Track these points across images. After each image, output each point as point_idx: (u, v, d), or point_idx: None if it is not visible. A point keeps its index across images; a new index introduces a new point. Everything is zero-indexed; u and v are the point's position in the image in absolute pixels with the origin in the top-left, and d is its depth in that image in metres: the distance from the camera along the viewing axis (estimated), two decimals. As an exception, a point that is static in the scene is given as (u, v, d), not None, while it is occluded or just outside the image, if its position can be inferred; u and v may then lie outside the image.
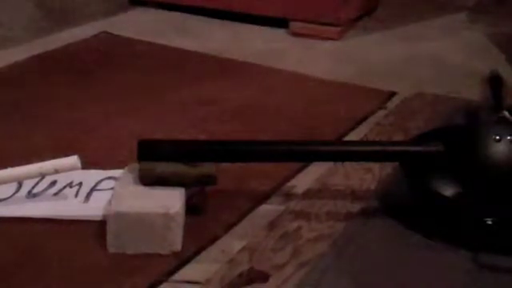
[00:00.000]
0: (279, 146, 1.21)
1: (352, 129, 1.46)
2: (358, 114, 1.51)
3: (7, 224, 1.11)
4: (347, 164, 1.28)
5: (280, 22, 2.01)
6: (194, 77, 1.69)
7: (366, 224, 1.15)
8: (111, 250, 1.06)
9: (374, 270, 1.04)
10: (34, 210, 1.14)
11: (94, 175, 1.22)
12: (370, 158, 1.21)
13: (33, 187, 1.18)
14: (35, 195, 1.17)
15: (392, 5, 2.23)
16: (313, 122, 1.48)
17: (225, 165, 1.15)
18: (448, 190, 1.15)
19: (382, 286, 1.02)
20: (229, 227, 1.13)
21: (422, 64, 1.81)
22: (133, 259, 1.05)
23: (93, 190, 1.19)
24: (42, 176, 1.17)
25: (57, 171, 1.14)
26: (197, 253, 1.07)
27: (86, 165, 1.16)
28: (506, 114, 1.26)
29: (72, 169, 1.14)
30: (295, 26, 1.99)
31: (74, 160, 1.14)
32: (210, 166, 1.13)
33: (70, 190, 1.19)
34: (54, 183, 1.19)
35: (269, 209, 1.19)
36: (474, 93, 1.54)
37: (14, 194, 1.17)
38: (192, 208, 1.12)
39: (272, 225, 1.13)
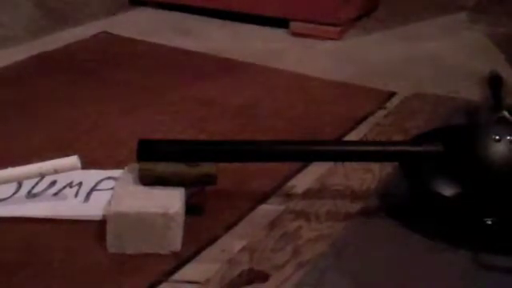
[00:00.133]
0: (279, 145, 1.21)
1: (352, 129, 1.46)
2: (357, 114, 1.51)
3: (7, 224, 1.11)
4: (347, 164, 1.28)
5: (280, 22, 2.01)
6: (193, 77, 1.69)
7: (366, 224, 1.15)
8: (111, 249, 1.06)
9: (374, 269, 1.04)
10: (33, 209, 1.14)
11: (94, 175, 1.22)
12: (369, 158, 1.21)
13: (33, 187, 1.18)
14: (35, 195, 1.17)
15: (392, 5, 2.23)
16: (313, 122, 1.48)
17: (225, 165, 1.15)
18: (448, 190, 1.15)
19: (382, 286, 1.02)
20: (229, 227, 1.13)
21: (422, 64, 1.81)
22: (132, 259, 1.05)
23: (93, 189, 1.19)
24: (42, 176, 1.17)
25: (56, 171, 1.14)
26: (197, 253, 1.07)
27: (86, 165, 1.16)
28: (506, 114, 1.26)
29: (72, 169, 1.14)
30: (295, 25, 1.99)
31: (73, 160, 1.14)
32: (210, 166, 1.13)
33: (70, 189, 1.19)
34: (53, 183, 1.19)
35: (269, 209, 1.19)
36: (473, 93, 1.55)
37: (13, 194, 1.17)
38: (192, 208, 1.12)
39: (272, 225, 1.13)
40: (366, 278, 1.03)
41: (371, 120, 1.49)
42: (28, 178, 1.16)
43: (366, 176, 1.27)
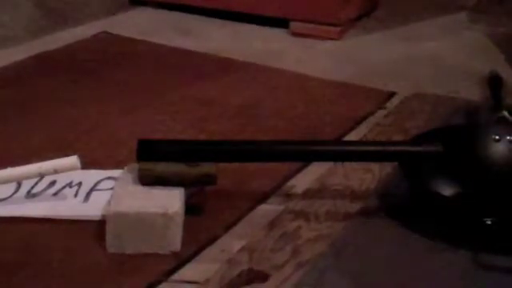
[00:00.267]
0: (279, 145, 1.21)
1: (352, 129, 1.45)
2: (357, 114, 1.51)
3: (6, 224, 1.11)
4: (347, 164, 1.28)
5: (280, 22, 2.01)
6: (193, 76, 1.69)
7: (366, 224, 1.15)
8: (110, 249, 1.06)
9: (374, 269, 1.04)
10: (33, 209, 1.14)
11: (94, 175, 1.22)
12: (369, 158, 1.21)
13: (32, 187, 1.18)
14: (34, 195, 1.17)
15: (392, 5, 2.23)
16: (313, 122, 1.48)
17: (224, 165, 1.15)
18: (447, 190, 1.15)
19: (382, 286, 1.02)
20: (228, 227, 1.13)
21: (422, 64, 1.81)
22: (132, 259, 1.05)
23: (92, 189, 1.19)
24: (42, 176, 1.17)
25: (56, 171, 1.14)
26: (196, 253, 1.07)
27: (86, 165, 1.16)
28: (506, 114, 1.26)
29: (71, 169, 1.14)
30: (295, 25, 1.99)
31: (73, 160, 1.13)
32: (210, 166, 1.12)
33: (70, 189, 1.19)
34: (53, 183, 1.19)
35: (268, 209, 1.19)
36: (473, 93, 1.55)
37: (13, 193, 1.17)
38: (191, 208, 1.12)
39: (271, 225, 1.13)
40: (365, 277, 1.02)
41: (371, 120, 1.49)
42: (27, 177, 1.16)
43: (366, 176, 1.27)
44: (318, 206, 1.18)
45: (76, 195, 1.18)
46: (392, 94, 1.61)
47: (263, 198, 1.21)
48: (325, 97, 1.60)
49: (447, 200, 1.13)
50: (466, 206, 1.11)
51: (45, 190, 1.18)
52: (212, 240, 1.10)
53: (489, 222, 1.06)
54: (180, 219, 1.07)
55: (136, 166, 1.12)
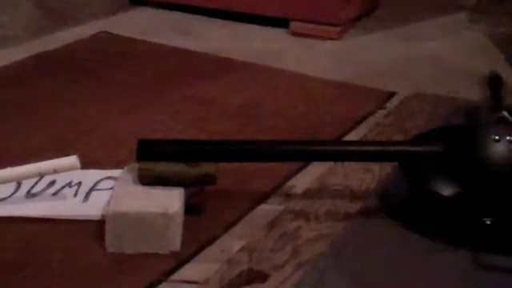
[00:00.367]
0: (279, 145, 1.21)
1: (352, 129, 1.45)
2: (357, 114, 1.51)
3: (6, 224, 1.11)
4: (347, 164, 1.28)
5: (280, 22, 2.01)
6: (193, 76, 1.69)
7: (366, 224, 1.15)
8: (110, 249, 1.06)
9: (374, 269, 1.04)
10: (32, 209, 1.14)
11: (94, 175, 1.22)
12: (369, 158, 1.21)
13: (32, 187, 1.18)
14: (34, 195, 1.17)
15: (392, 5, 2.23)
16: (313, 122, 1.48)
17: (224, 164, 1.15)
18: (447, 190, 1.15)
19: (382, 286, 1.02)
20: (228, 227, 1.13)
21: (422, 64, 1.81)
22: (132, 259, 1.05)
23: (92, 189, 1.19)
24: (41, 176, 1.17)
25: (56, 171, 1.14)
26: (196, 252, 1.07)
27: (86, 165, 1.16)
28: (506, 114, 1.26)
29: (71, 168, 1.14)
30: (295, 25, 1.99)
31: (73, 160, 1.13)
32: (210, 166, 1.12)
33: (69, 189, 1.19)
34: (53, 183, 1.19)
35: (268, 209, 1.19)
36: (473, 93, 1.55)
37: (12, 193, 1.17)
38: (191, 208, 1.12)
39: (271, 225, 1.13)
40: (365, 277, 1.02)
41: (371, 120, 1.49)
42: (27, 177, 1.16)
43: (366, 176, 1.27)
44: (317, 206, 1.18)
45: (76, 195, 1.18)
46: (392, 94, 1.61)
47: (263, 197, 1.21)
48: (325, 97, 1.60)
49: (447, 200, 1.13)
50: (465, 206, 1.11)
51: (44, 189, 1.18)
52: (212, 240, 1.10)
53: (488, 222, 1.06)
54: (180, 219, 1.07)
55: (136, 165, 1.12)
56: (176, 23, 2.05)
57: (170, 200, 1.07)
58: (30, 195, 1.17)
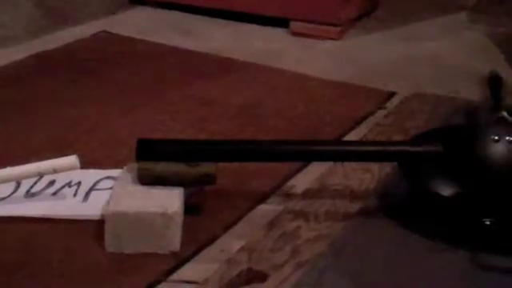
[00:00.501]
0: (279, 145, 1.21)
1: (352, 129, 1.45)
2: (357, 114, 1.51)
3: (5, 224, 1.11)
4: (346, 164, 1.28)
5: (280, 22, 2.01)
6: (193, 76, 1.69)
7: (365, 224, 1.15)
8: (109, 249, 1.06)
9: (373, 269, 1.04)
10: (32, 209, 1.14)
11: (93, 175, 1.22)
12: (369, 158, 1.21)
13: (31, 187, 1.18)
14: (33, 195, 1.17)
15: (392, 5, 2.23)
16: (313, 122, 1.48)
17: (224, 164, 1.15)
18: (447, 190, 1.15)
19: (381, 286, 1.02)
20: (228, 227, 1.13)
21: (422, 64, 1.81)
22: (131, 259, 1.05)
23: (91, 189, 1.19)
24: (41, 175, 1.17)
25: (55, 171, 1.14)
26: (195, 252, 1.07)
27: (85, 164, 1.16)
28: (505, 114, 1.26)
29: (71, 168, 1.14)
30: (295, 25, 1.99)
31: (72, 159, 1.13)
32: (210, 166, 1.12)
33: (69, 189, 1.19)
34: (52, 183, 1.19)
35: (268, 209, 1.19)
36: (473, 93, 1.55)
37: (12, 193, 1.17)
38: (191, 208, 1.12)
39: (271, 225, 1.13)
40: (365, 278, 1.02)
41: (371, 120, 1.49)
42: (27, 177, 1.16)
43: (366, 176, 1.27)
44: (317, 206, 1.18)
45: (75, 195, 1.18)
46: (392, 94, 1.61)
47: (263, 197, 1.21)
48: (325, 97, 1.60)
49: (446, 200, 1.13)
50: (465, 207, 1.11)
51: (44, 189, 1.18)
52: (211, 240, 1.10)
53: (488, 223, 1.06)
54: (179, 219, 1.07)
55: (135, 165, 1.12)
56: (176, 23, 2.05)
57: (169, 200, 1.07)
58: (29, 195, 1.17)
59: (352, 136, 1.43)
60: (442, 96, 1.60)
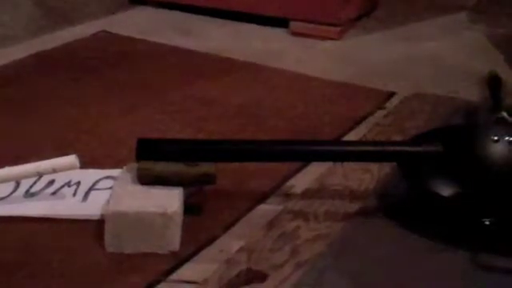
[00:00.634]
0: (278, 145, 1.21)
1: (351, 129, 1.45)
2: (357, 114, 1.51)
3: (5, 224, 1.11)
4: (346, 164, 1.28)
5: (280, 22, 2.01)
6: (193, 76, 1.69)
7: (365, 224, 1.15)
8: (109, 249, 1.06)
9: (373, 270, 1.04)
10: (31, 209, 1.14)
11: (93, 174, 1.22)
12: (368, 158, 1.21)
13: (31, 186, 1.18)
14: (33, 194, 1.17)
15: (392, 5, 2.23)
16: (312, 122, 1.48)
17: (223, 164, 1.15)
18: (446, 191, 1.15)
19: (380, 286, 1.02)
20: (227, 227, 1.13)
21: (422, 64, 1.81)
22: (131, 259, 1.05)
23: (91, 189, 1.19)
24: (40, 175, 1.17)
25: (55, 170, 1.14)
26: (195, 252, 1.07)
27: (85, 164, 1.16)
28: (505, 114, 1.26)
29: (70, 168, 1.14)
30: (295, 25, 1.99)
31: (72, 159, 1.13)
32: (209, 166, 1.12)
33: (68, 189, 1.19)
34: (51, 182, 1.19)
35: (267, 209, 1.19)
36: (472, 93, 1.55)
37: (11, 193, 1.17)
38: (190, 207, 1.12)
39: (270, 225, 1.13)
40: (364, 278, 1.02)
41: (371, 120, 1.49)
42: (26, 177, 1.16)
43: (365, 176, 1.27)
44: (317, 206, 1.18)
45: (75, 194, 1.18)
46: (392, 94, 1.61)
47: (262, 197, 1.21)
48: (324, 97, 1.60)
49: (446, 200, 1.13)
50: (464, 207, 1.11)
51: (43, 189, 1.18)
52: (211, 240, 1.10)
53: (487, 223, 1.06)
54: (179, 219, 1.07)
55: (135, 165, 1.12)
56: (176, 23, 2.05)
57: (169, 200, 1.07)
58: (28, 195, 1.17)
59: (351, 136, 1.43)
60: (442, 96, 1.60)
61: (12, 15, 1.90)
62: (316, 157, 1.23)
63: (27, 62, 1.73)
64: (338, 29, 1.97)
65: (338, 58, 1.85)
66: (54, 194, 1.18)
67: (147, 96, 1.57)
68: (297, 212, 1.17)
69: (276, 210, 1.17)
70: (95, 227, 1.10)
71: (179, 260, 1.05)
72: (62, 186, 1.19)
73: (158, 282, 1.01)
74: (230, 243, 1.09)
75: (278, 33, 2.00)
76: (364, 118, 1.50)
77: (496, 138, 1.22)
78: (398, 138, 1.39)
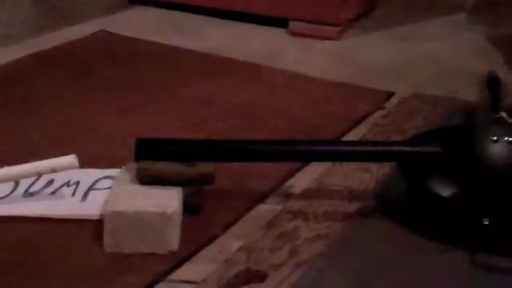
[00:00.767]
0: (278, 145, 1.21)
1: (350, 129, 1.45)
2: (356, 114, 1.51)
3: (4, 223, 1.11)
4: (345, 164, 1.28)
5: (280, 22, 2.01)
6: (193, 76, 1.69)
7: (364, 224, 1.15)
8: (108, 249, 1.06)
9: (372, 270, 1.04)
10: (30, 209, 1.14)
11: (92, 174, 1.22)
12: (368, 158, 1.21)
13: (30, 186, 1.18)
14: (32, 194, 1.17)
15: (391, 5, 2.23)
16: (311, 122, 1.48)
17: (223, 164, 1.15)
18: (445, 191, 1.15)
19: (380, 286, 1.02)
20: (226, 227, 1.13)
21: (421, 64, 1.81)
22: (130, 258, 1.05)
23: (90, 189, 1.19)
24: (39, 175, 1.17)
25: (54, 170, 1.14)
26: (194, 252, 1.07)
27: (84, 164, 1.16)
28: (504, 114, 1.26)
29: (70, 168, 1.14)
30: (295, 25, 1.99)
31: (71, 159, 1.13)
32: (209, 166, 1.12)
33: (68, 188, 1.19)
34: (51, 182, 1.19)
35: (266, 209, 1.19)
36: (472, 93, 1.54)
37: (10, 192, 1.17)
38: (189, 207, 1.12)
39: (269, 225, 1.13)
40: (363, 277, 1.02)
41: (370, 120, 1.49)
42: (25, 176, 1.16)
43: (365, 176, 1.27)
44: (316, 206, 1.18)
45: (74, 194, 1.18)
46: (391, 94, 1.61)
47: (262, 197, 1.21)
48: (324, 97, 1.60)
49: (445, 200, 1.13)
50: (464, 207, 1.11)
51: (42, 188, 1.18)
52: (210, 240, 1.10)
53: (486, 223, 1.06)
54: (178, 219, 1.07)
55: (134, 165, 1.12)
56: (175, 22, 2.05)
57: (168, 200, 1.07)
58: (27, 194, 1.17)
59: (351, 136, 1.43)
60: (441, 96, 1.60)
61: (11, 14, 1.90)
62: (315, 157, 1.23)
63: (26, 61, 1.73)
64: (338, 29, 1.97)
65: (337, 58, 1.85)
66: (53, 193, 1.18)
67: (146, 96, 1.57)
68: (296, 212, 1.17)
69: (275, 210, 1.17)
70: (94, 227, 1.10)
71: (178, 260, 1.05)
72: (61, 186, 1.19)
73: (157, 281, 1.01)
74: (230, 243, 1.09)
75: (277, 33, 2.00)
76: (363, 118, 1.50)
77: (495, 138, 1.22)
78: (397, 138, 1.39)
